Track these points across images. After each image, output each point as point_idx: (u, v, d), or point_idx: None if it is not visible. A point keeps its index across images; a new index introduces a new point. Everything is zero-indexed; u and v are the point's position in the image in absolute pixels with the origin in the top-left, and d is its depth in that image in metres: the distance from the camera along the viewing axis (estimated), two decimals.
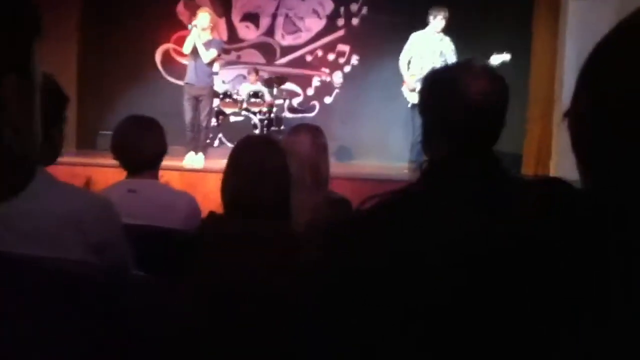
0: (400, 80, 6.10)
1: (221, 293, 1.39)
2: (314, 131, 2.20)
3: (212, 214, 1.54)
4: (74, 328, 0.50)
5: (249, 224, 1.44)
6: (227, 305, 1.38)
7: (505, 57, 5.60)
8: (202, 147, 6.01)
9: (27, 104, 0.50)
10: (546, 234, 0.66)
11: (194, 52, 5.79)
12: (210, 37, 5.94)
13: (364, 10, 7.97)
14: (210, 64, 5.92)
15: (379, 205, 1.37)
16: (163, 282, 1.57)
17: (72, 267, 1.39)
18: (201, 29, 5.78)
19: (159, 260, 1.87)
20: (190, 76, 5.93)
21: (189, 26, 5.89)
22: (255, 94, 7.27)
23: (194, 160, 5.91)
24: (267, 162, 1.50)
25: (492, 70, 1.37)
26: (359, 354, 1.11)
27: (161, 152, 2.27)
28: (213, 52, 5.82)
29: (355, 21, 8.03)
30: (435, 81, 1.35)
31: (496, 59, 5.62)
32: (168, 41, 8.15)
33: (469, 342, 0.83)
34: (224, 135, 7.15)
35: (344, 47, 8.09)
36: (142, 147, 2.18)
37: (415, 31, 6.00)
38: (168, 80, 8.12)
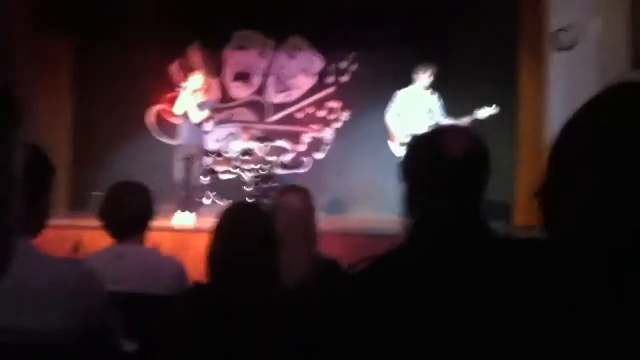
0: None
1: None
2: (303, 192, 2.21)
3: (196, 285, 1.52)
4: None
5: (233, 292, 1.43)
6: None
7: (491, 110, 5.71)
8: (192, 205, 6.01)
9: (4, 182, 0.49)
10: (517, 296, 0.70)
11: (185, 113, 5.87)
12: (203, 99, 6.03)
13: (354, 67, 8.14)
14: (201, 124, 6.00)
15: (365, 272, 1.37)
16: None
17: (57, 339, 1.36)
18: (192, 90, 5.88)
19: (146, 327, 1.84)
20: (182, 136, 6.00)
21: (178, 88, 6.01)
22: (247, 152, 7.33)
23: (184, 219, 5.89)
24: (253, 229, 1.50)
25: (470, 131, 1.39)
26: None
27: (148, 217, 2.27)
28: (204, 113, 5.90)
29: (344, 78, 8.19)
30: (415, 146, 1.37)
31: (483, 113, 5.72)
32: (161, 101, 8.26)
33: None
34: (216, 194, 7.16)
35: (334, 104, 8.22)
36: (128, 212, 2.18)
37: (402, 87, 6.12)
38: (160, 140, 8.19)
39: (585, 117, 0.61)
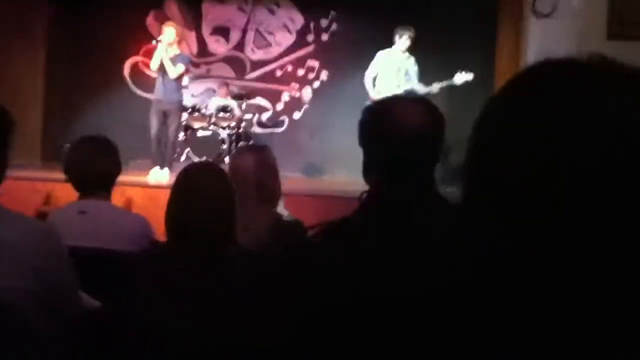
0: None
1: (154, 323, 1.39)
2: (258, 151, 2.22)
3: (154, 243, 1.55)
4: None
5: (188, 250, 1.45)
6: (164, 335, 1.39)
7: (468, 76, 5.72)
8: (168, 162, 5.98)
9: None
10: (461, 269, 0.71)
11: (162, 67, 5.77)
12: (177, 52, 5.92)
13: (334, 26, 8.05)
14: (179, 79, 5.91)
15: (319, 236, 1.41)
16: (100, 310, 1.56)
17: (10, 296, 1.38)
18: (167, 44, 5.76)
19: (107, 283, 1.86)
20: (158, 91, 5.91)
21: (153, 41, 5.87)
22: (224, 109, 7.27)
23: (159, 175, 5.87)
24: (209, 189, 1.52)
25: (427, 102, 1.41)
26: None
27: (113, 173, 2.26)
28: (180, 68, 5.81)
29: (325, 37, 8.10)
30: (372, 113, 1.39)
31: (459, 78, 5.74)
32: (137, 53, 8.10)
33: None
34: (192, 150, 7.11)
35: (314, 63, 8.15)
36: (93, 168, 2.17)
37: (382, 49, 6.09)
38: (136, 93, 8.07)
39: (497, 103, 0.61)
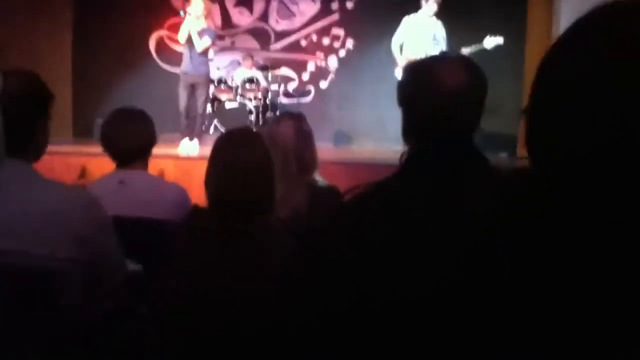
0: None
1: (197, 288, 1.41)
2: (295, 119, 2.21)
3: (195, 208, 1.56)
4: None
5: (229, 219, 1.46)
6: (202, 301, 1.41)
7: (499, 40, 5.60)
8: (197, 134, 6.02)
9: None
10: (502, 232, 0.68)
11: (189, 40, 5.77)
12: (204, 25, 5.91)
13: None
14: (205, 52, 5.91)
15: (356, 199, 1.40)
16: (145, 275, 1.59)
17: (56, 264, 1.41)
18: (195, 16, 5.75)
19: (148, 251, 1.90)
20: (186, 65, 5.92)
21: (181, 13, 5.86)
22: (250, 80, 7.26)
23: (189, 147, 5.92)
24: (247, 157, 1.52)
25: (469, 61, 1.38)
26: (339, 345, 1.15)
27: (149, 144, 2.28)
28: (207, 41, 5.81)
29: (349, 4, 7.99)
30: (411, 74, 1.36)
31: (489, 42, 5.61)
32: (162, 28, 8.11)
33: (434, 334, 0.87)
34: (220, 122, 7.14)
35: (339, 31, 8.06)
36: (130, 139, 2.20)
37: (408, 14, 5.98)
38: (162, 67, 8.10)
39: (570, 40, 0.58)
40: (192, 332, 1.43)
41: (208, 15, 6.23)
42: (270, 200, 1.58)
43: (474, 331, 0.66)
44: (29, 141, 1.47)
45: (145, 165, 2.31)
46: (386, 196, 1.30)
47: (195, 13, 5.74)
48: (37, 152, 1.52)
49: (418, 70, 1.35)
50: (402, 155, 1.41)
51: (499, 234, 0.62)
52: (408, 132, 1.39)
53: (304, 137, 2.13)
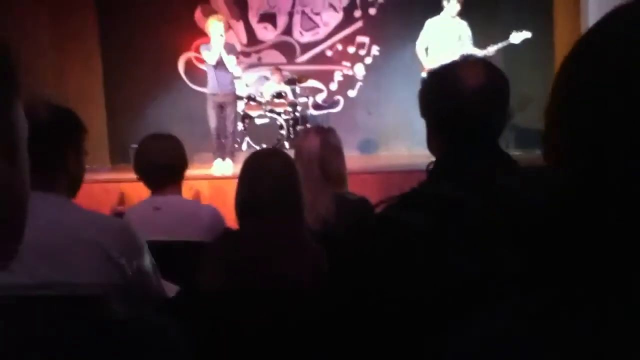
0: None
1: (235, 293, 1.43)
2: (323, 132, 2.23)
3: (228, 231, 1.59)
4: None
5: (260, 235, 1.49)
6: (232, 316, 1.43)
7: (526, 34, 5.51)
8: (229, 153, 6.08)
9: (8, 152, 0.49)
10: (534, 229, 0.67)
11: (216, 60, 5.83)
12: (224, 43, 5.96)
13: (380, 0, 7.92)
14: (230, 69, 5.96)
15: (385, 212, 1.39)
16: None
17: (96, 291, 1.45)
18: (219, 35, 5.80)
19: (184, 272, 1.93)
20: (212, 85, 5.98)
21: (208, 34, 5.90)
22: (279, 94, 7.31)
23: (222, 167, 5.98)
24: (274, 170, 1.55)
25: (487, 63, 1.36)
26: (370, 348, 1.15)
27: (181, 167, 2.32)
28: (233, 58, 5.87)
29: (372, 11, 7.99)
30: (432, 81, 1.35)
31: (516, 37, 5.53)
32: (189, 49, 8.26)
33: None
34: (251, 139, 7.20)
35: (364, 39, 8.07)
36: (162, 164, 2.24)
37: (432, 15, 5.95)
38: (192, 88, 8.24)
39: (589, 42, 0.55)
40: (234, 329, 1.45)
41: (226, 32, 6.23)
42: (298, 207, 1.60)
43: None
44: (60, 174, 1.51)
45: (179, 189, 2.35)
46: (418, 205, 1.29)
47: (218, 32, 5.77)
48: (71, 186, 1.56)
49: (437, 77, 1.34)
50: (428, 165, 1.40)
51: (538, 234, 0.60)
52: (432, 140, 1.38)
53: (330, 150, 2.14)
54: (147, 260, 1.61)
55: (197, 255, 2.02)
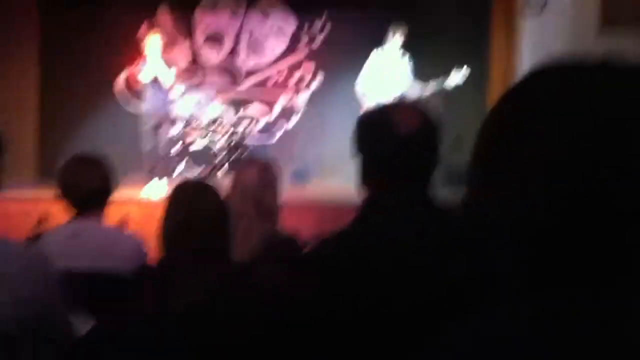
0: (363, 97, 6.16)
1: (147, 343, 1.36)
2: (261, 167, 2.18)
3: (146, 266, 1.51)
4: None
5: (182, 271, 1.42)
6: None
7: (463, 72, 5.71)
8: (161, 175, 5.92)
9: None
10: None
11: (152, 79, 5.74)
12: (164, 63, 5.87)
13: (328, 28, 8.02)
14: (167, 91, 5.86)
15: (316, 251, 1.37)
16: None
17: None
18: (155, 52, 5.72)
19: (100, 304, 1.82)
20: (148, 104, 5.87)
21: (145, 52, 5.83)
22: (219, 118, 7.23)
23: (154, 189, 5.81)
24: (200, 207, 1.49)
25: (420, 107, 1.37)
26: None
27: (107, 191, 2.21)
28: (170, 78, 5.77)
29: (318, 40, 8.07)
30: (365, 123, 1.35)
31: (454, 76, 5.71)
32: (130, 64, 8.07)
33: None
34: (187, 162, 7.06)
35: (308, 67, 8.11)
36: (87, 187, 2.13)
37: (377, 47, 6.07)
38: (130, 107, 8.03)
39: (503, 105, 0.60)
40: None
41: (170, 51, 6.17)
42: (225, 247, 1.54)
43: None
44: None
45: (102, 214, 2.24)
46: (346, 245, 1.29)
47: (155, 50, 5.71)
48: None
49: (371, 119, 1.35)
50: (358, 204, 1.39)
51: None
52: (364, 179, 1.38)
53: (267, 186, 2.11)
54: (57, 296, 1.50)
55: (115, 288, 1.91)
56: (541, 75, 0.57)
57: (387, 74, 5.91)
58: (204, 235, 1.47)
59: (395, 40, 5.90)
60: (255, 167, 2.14)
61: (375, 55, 6.00)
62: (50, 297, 1.47)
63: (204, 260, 1.45)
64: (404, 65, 5.95)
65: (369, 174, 1.36)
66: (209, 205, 1.51)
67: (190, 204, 1.50)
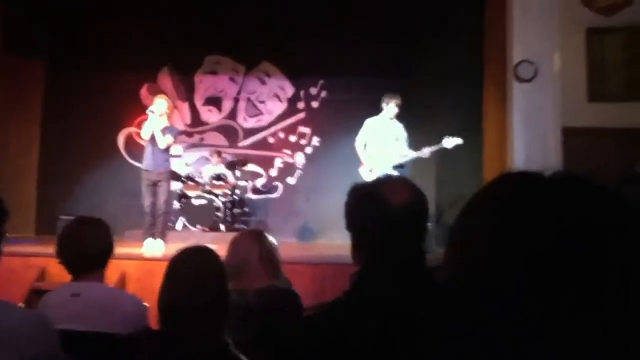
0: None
1: None
2: (257, 238, 2.28)
3: (146, 329, 1.56)
4: None
5: (177, 336, 1.47)
6: None
7: (458, 140, 5.83)
8: (161, 233, 5.93)
9: None
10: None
11: (152, 137, 5.86)
12: (167, 124, 6.01)
13: (323, 94, 8.26)
14: (167, 149, 5.98)
15: (310, 322, 1.43)
16: None
17: None
18: (158, 114, 5.87)
19: None
20: (147, 161, 5.95)
21: (147, 111, 5.98)
22: (218, 176, 7.35)
23: (153, 246, 5.83)
24: (202, 279, 1.55)
25: (408, 181, 1.46)
26: None
27: (106, 254, 2.27)
28: (169, 139, 5.88)
29: (315, 104, 8.29)
30: (356, 198, 1.43)
31: (449, 142, 5.84)
32: (131, 124, 8.26)
33: None
34: (187, 219, 7.13)
35: (305, 129, 8.31)
36: (85, 252, 2.18)
37: (371, 112, 6.23)
38: (130, 163, 8.16)
39: (474, 202, 0.74)
40: None
41: (171, 113, 6.35)
42: (223, 310, 1.59)
43: None
44: None
45: (101, 274, 2.29)
46: (339, 318, 1.35)
47: (158, 111, 5.86)
48: None
49: (362, 194, 1.42)
50: (352, 275, 1.45)
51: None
52: (356, 251, 1.44)
53: (265, 255, 2.20)
54: (61, 355, 1.55)
55: (115, 348, 1.95)
56: (505, 183, 0.72)
57: (382, 140, 6.04)
58: (203, 305, 1.52)
59: (389, 109, 6.02)
60: (252, 240, 2.24)
61: (370, 122, 6.13)
62: (52, 357, 1.51)
63: (201, 328, 1.50)
64: (398, 132, 6.07)
65: (361, 247, 1.42)
66: (209, 274, 1.56)
67: (191, 273, 1.56)
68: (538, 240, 0.63)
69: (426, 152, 5.93)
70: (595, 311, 0.61)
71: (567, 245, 0.62)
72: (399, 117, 6.10)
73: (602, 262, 0.61)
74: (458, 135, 5.87)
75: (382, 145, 5.99)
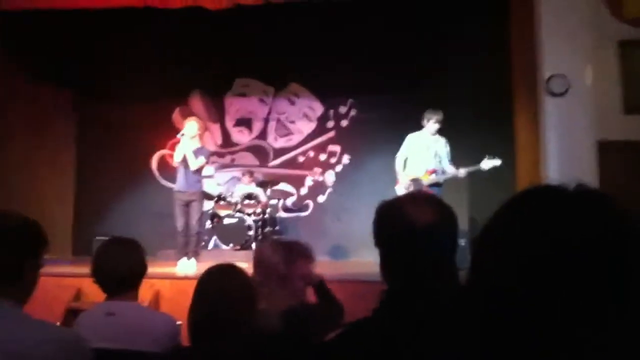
0: (390, 177, 6.25)
1: None
2: (282, 245, 2.28)
3: (178, 348, 1.58)
4: None
5: (213, 346, 1.49)
6: None
7: (496, 162, 5.75)
8: (193, 252, 6.02)
9: None
10: None
11: (184, 159, 5.97)
12: (198, 145, 6.12)
13: (353, 112, 8.29)
14: (199, 170, 6.07)
15: (336, 342, 1.42)
16: None
17: None
18: (190, 137, 5.98)
19: None
20: (180, 183, 6.07)
21: (178, 135, 6.10)
22: (249, 196, 7.41)
23: (186, 266, 5.91)
24: (230, 297, 1.57)
25: (436, 199, 1.45)
26: None
27: (139, 274, 2.31)
28: (201, 160, 5.99)
29: (344, 123, 8.32)
30: (384, 216, 1.42)
31: (487, 164, 5.77)
32: (164, 147, 8.41)
33: None
34: (219, 238, 7.20)
35: (335, 148, 8.33)
36: (119, 272, 2.22)
37: (401, 128, 6.21)
38: (162, 184, 8.30)
39: (500, 215, 0.76)
40: None
41: (203, 135, 6.47)
42: (251, 327, 1.60)
43: None
44: (16, 282, 1.51)
45: (135, 294, 2.32)
46: (366, 340, 1.34)
47: (189, 134, 5.98)
48: (24, 293, 1.56)
49: (390, 211, 1.41)
50: (382, 293, 1.44)
51: None
52: (385, 269, 1.43)
53: (288, 263, 2.19)
54: None
55: None
56: (528, 196, 0.75)
57: (423, 156, 6.01)
58: (231, 320, 1.54)
59: (429, 125, 5.98)
60: (278, 251, 2.23)
61: (412, 137, 6.09)
62: None
63: (230, 344, 1.51)
64: (440, 147, 6.03)
65: (390, 265, 1.42)
66: (237, 292, 1.58)
67: (219, 292, 1.58)
68: (537, 251, 0.67)
69: (462, 172, 5.88)
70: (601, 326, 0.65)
71: (562, 255, 0.66)
72: (440, 132, 6.05)
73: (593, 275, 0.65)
74: (489, 152, 5.80)
75: (422, 161, 5.97)
